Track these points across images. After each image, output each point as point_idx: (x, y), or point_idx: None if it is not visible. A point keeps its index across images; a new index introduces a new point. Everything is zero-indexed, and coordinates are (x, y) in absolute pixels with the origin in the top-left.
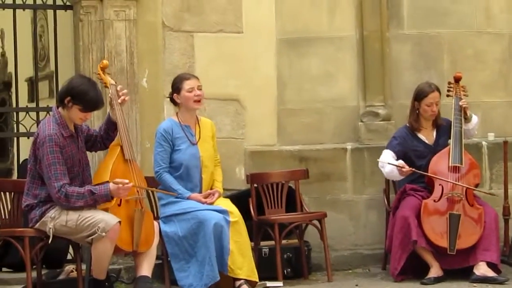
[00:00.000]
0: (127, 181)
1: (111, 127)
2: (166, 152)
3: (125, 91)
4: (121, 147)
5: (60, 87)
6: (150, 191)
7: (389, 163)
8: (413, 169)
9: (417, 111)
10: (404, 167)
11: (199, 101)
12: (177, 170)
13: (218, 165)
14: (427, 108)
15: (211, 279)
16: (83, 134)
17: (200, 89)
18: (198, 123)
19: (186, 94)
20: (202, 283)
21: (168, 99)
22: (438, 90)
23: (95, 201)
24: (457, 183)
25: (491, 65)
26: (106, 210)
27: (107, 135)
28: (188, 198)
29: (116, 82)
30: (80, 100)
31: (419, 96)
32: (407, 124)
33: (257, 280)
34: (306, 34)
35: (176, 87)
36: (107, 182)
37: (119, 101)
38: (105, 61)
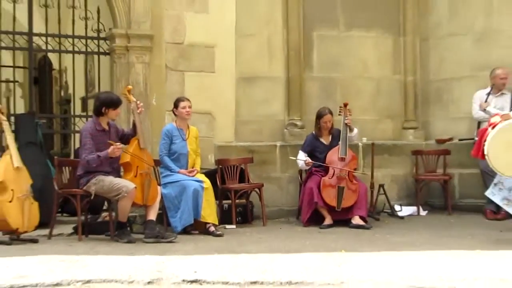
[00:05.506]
0: (118, 143)
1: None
2: (167, 144)
3: (141, 104)
4: (138, 140)
5: (94, 104)
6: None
7: (298, 159)
8: (312, 162)
9: (318, 125)
10: (307, 161)
11: (188, 114)
12: (172, 156)
13: (198, 155)
14: (323, 124)
15: (186, 221)
16: (119, 133)
17: (190, 107)
18: (188, 128)
19: (180, 110)
20: (181, 224)
21: (168, 112)
22: (331, 113)
23: (101, 161)
24: (342, 168)
25: (366, 97)
26: (127, 179)
27: (135, 133)
28: (178, 172)
29: (136, 100)
30: (111, 104)
31: (319, 116)
32: (313, 132)
33: (217, 223)
34: (254, 74)
35: (176, 104)
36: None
37: (138, 111)
38: (129, 86)
